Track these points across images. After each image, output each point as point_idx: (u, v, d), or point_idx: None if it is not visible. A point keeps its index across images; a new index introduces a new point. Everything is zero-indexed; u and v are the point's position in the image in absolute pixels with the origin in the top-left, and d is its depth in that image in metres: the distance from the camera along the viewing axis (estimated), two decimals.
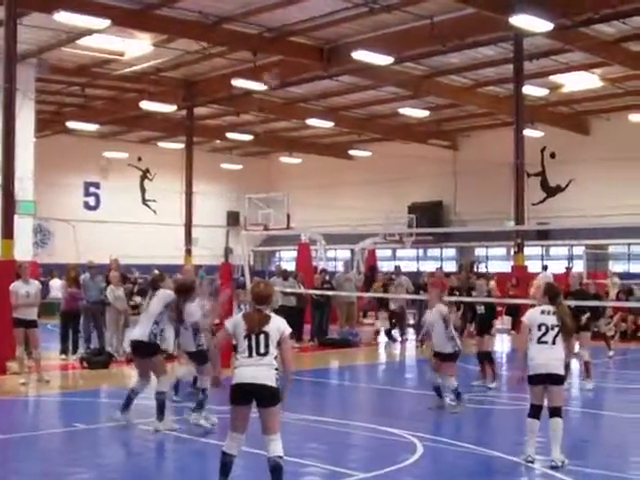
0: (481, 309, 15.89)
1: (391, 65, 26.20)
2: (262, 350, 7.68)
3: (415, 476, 9.21)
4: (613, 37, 25.52)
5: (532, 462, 9.45)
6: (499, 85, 31.68)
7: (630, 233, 30.13)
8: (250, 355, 7.70)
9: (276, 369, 7.67)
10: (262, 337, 7.71)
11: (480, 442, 10.52)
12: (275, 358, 7.71)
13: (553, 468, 9.22)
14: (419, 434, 10.89)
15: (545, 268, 31.21)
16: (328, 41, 26.33)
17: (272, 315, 7.90)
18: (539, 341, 9.56)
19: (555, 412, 9.49)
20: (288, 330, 7.87)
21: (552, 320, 9.60)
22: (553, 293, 9.90)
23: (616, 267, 36.05)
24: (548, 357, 9.50)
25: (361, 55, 24.41)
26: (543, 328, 9.59)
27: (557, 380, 9.55)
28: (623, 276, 30.01)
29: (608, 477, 9.15)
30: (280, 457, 7.60)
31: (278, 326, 7.81)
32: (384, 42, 24.68)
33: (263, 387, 7.59)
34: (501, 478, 9.25)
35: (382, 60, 24.77)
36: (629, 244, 36.45)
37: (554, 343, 9.55)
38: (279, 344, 7.77)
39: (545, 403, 9.63)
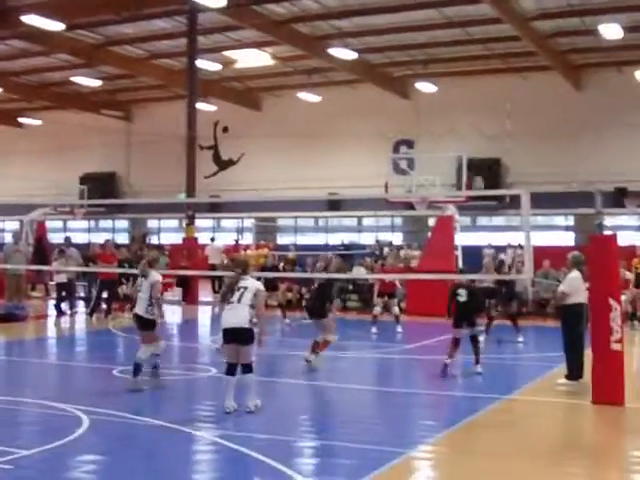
0: None
1: (64, 32, 25.68)
2: None
3: (79, 450, 9.17)
4: (283, 17, 26.46)
5: (229, 412, 10.60)
6: (174, 58, 31.90)
7: (297, 206, 31.31)
8: None
9: None
10: None
11: (147, 413, 10.65)
12: None
13: (249, 413, 10.66)
14: (85, 407, 10.85)
15: (212, 240, 31.88)
16: None
17: None
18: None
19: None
20: None
21: None
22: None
23: (284, 239, 37.52)
24: None
25: (32, 19, 23.72)
26: None
27: None
28: (289, 248, 31.03)
29: (271, 440, 9.57)
30: None
31: None
32: (56, 7, 24.10)
33: None
34: (163, 446, 9.44)
35: (54, 26, 24.24)
36: (296, 217, 37.97)
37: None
38: None
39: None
